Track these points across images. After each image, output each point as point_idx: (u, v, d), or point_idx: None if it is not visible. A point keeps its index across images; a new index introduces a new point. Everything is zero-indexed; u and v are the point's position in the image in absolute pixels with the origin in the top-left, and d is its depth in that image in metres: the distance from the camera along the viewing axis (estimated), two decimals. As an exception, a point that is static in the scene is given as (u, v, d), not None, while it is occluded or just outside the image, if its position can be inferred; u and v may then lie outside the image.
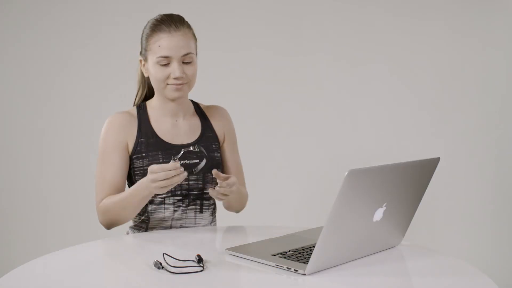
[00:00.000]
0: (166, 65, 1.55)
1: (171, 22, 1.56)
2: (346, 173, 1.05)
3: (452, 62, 2.97)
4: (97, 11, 3.04)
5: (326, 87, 3.03)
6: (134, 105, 1.72)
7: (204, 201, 1.65)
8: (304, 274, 1.14)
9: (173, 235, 1.53)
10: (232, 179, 1.51)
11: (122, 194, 1.53)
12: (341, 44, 3.00)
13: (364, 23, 2.99)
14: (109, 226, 1.58)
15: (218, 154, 1.69)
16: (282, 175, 3.05)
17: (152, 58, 1.57)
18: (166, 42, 1.54)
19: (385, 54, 2.99)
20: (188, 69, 1.57)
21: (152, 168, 1.40)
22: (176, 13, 1.64)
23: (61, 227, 3.12)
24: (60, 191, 3.11)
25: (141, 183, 1.46)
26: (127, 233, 1.69)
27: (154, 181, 1.39)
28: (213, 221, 1.71)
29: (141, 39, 1.62)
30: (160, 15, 1.61)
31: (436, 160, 1.30)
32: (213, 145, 1.69)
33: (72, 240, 1.78)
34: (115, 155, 1.59)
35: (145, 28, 1.62)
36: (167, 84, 1.57)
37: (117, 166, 1.59)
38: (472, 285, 1.12)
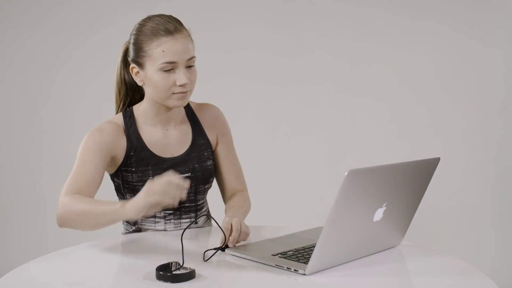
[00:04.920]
0: (170, 71, 1.43)
1: (170, 23, 1.44)
2: (346, 173, 1.05)
3: (452, 62, 2.97)
4: (97, 11, 3.04)
5: (326, 87, 3.03)
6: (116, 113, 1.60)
7: (198, 212, 1.62)
8: (304, 274, 1.14)
9: (173, 235, 1.52)
10: (235, 225, 1.35)
11: (97, 204, 1.36)
12: (341, 44, 3.00)
13: (364, 23, 2.99)
14: (62, 224, 1.39)
15: (210, 162, 1.61)
16: (282, 175, 3.05)
17: (153, 65, 1.43)
18: (171, 46, 1.41)
19: (385, 54, 2.99)
20: (191, 74, 1.46)
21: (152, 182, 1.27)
22: (173, 14, 1.51)
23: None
24: (60, 191, 3.10)
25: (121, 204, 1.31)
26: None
27: (151, 186, 1.24)
28: (208, 221, 1.69)
29: (133, 44, 1.47)
30: (151, 17, 1.47)
31: (436, 160, 1.30)
32: (205, 153, 1.60)
33: (72, 240, 1.78)
34: (94, 156, 1.45)
35: (135, 33, 1.48)
36: (173, 93, 1.45)
37: (94, 167, 1.44)
38: (472, 285, 1.12)
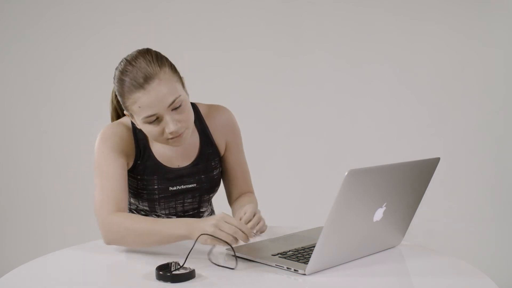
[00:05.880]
0: (156, 121, 1.33)
1: (139, 72, 1.31)
2: (346, 173, 1.05)
3: (452, 62, 2.97)
4: (97, 11, 3.04)
5: (326, 87, 3.03)
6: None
7: (199, 214, 1.62)
8: (304, 274, 1.14)
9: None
10: (248, 215, 1.35)
11: (161, 224, 1.30)
12: (341, 44, 3.00)
13: (364, 23, 2.99)
14: (113, 243, 1.35)
15: (217, 171, 1.58)
16: (282, 175, 3.05)
17: (137, 118, 1.35)
18: (145, 101, 1.30)
19: (385, 54, 2.99)
20: (181, 115, 1.34)
21: (226, 217, 1.23)
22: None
23: (61, 227, 3.12)
24: (60, 191, 3.11)
25: (183, 220, 1.27)
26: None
27: (215, 226, 1.21)
28: None
29: (118, 95, 1.38)
30: (125, 64, 1.35)
31: (436, 160, 1.30)
32: (212, 163, 1.56)
33: (72, 240, 1.79)
34: (116, 164, 1.40)
35: (116, 84, 1.37)
36: (166, 138, 1.36)
37: (120, 175, 1.40)
38: (472, 285, 1.12)
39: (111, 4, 3.03)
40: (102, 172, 1.40)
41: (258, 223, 1.35)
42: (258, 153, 3.00)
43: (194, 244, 1.23)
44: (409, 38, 2.97)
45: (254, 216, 1.35)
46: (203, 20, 2.98)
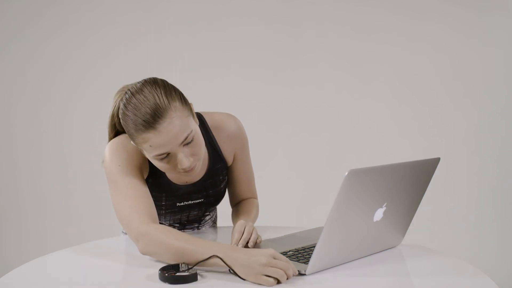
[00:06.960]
0: (167, 156, 1.26)
1: (148, 110, 1.21)
2: (346, 173, 1.05)
3: (452, 62, 2.97)
4: (97, 11, 3.04)
5: (327, 87, 3.03)
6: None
7: (202, 219, 1.62)
8: (304, 274, 1.14)
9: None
10: (245, 234, 1.30)
11: (185, 238, 1.20)
12: (341, 44, 3.00)
13: (364, 23, 2.99)
14: (147, 254, 1.26)
15: (224, 183, 1.55)
16: (282, 175, 3.05)
17: (148, 155, 1.28)
18: (156, 141, 1.22)
19: (386, 54, 2.99)
20: (193, 149, 1.27)
21: (275, 253, 1.11)
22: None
23: (61, 227, 3.12)
24: (60, 191, 3.11)
25: (225, 249, 1.15)
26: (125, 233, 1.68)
27: (267, 265, 1.08)
28: (213, 226, 1.70)
29: (124, 127, 1.28)
30: (131, 98, 1.25)
31: (437, 160, 1.30)
32: (221, 177, 1.52)
33: (72, 240, 1.78)
34: (139, 178, 1.33)
35: (120, 115, 1.28)
36: (178, 172, 1.29)
37: (146, 189, 1.32)
38: (472, 285, 1.12)
39: (111, 4, 3.03)
40: (128, 184, 1.31)
41: (255, 236, 1.33)
42: (259, 154, 3.00)
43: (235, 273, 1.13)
44: (409, 38, 2.98)
45: (251, 234, 1.32)
46: (203, 20, 2.98)
